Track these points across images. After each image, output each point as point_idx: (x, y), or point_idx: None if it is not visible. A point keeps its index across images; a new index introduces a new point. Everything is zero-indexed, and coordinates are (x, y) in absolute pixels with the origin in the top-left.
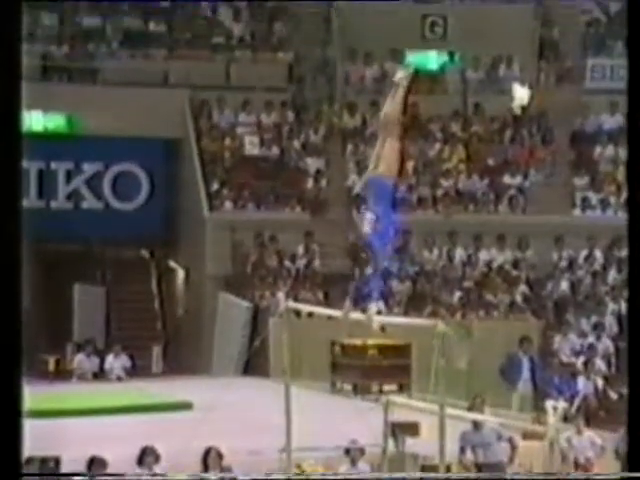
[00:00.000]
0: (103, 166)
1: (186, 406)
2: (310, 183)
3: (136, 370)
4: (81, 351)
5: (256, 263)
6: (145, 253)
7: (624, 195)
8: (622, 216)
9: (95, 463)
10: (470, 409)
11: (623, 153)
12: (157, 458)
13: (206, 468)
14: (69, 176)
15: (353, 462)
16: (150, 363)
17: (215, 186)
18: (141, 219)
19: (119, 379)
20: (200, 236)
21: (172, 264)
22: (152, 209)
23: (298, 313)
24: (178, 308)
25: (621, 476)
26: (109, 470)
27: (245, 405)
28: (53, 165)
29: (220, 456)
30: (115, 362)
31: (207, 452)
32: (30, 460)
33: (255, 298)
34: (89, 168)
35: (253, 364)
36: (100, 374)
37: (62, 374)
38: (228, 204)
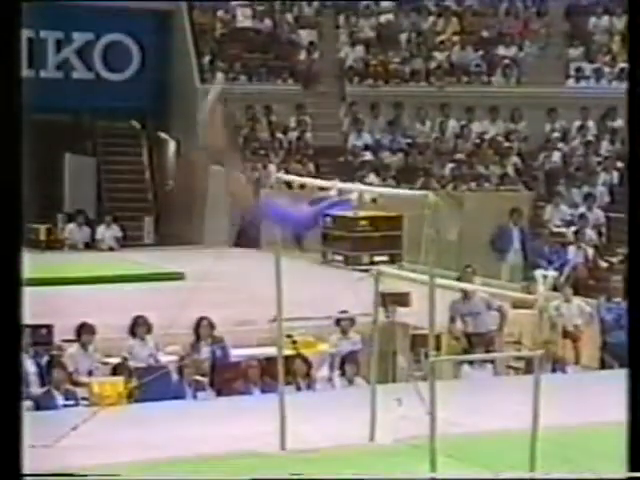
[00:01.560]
0: (94, 36)
1: (178, 276)
2: (302, 55)
3: (128, 241)
4: (72, 221)
5: (248, 135)
6: (136, 124)
7: (618, 65)
8: (616, 86)
9: (85, 329)
10: (460, 279)
11: (618, 23)
12: (149, 328)
13: (198, 338)
14: (59, 45)
15: (344, 332)
16: (142, 234)
17: (207, 58)
18: (132, 90)
19: (111, 249)
20: (192, 108)
21: (163, 135)
22: (143, 80)
23: (289, 185)
24: (169, 179)
25: (626, 476)
26: (99, 337)
27: (236, 275)
28: (43, 34)
29: (212, 326)
30: (106, 232)
31: (199, 322)
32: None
33: (246, 170)
34: (79, 38)
35: (244, 235)
36: (92, 244)
37: (53, 243)
38: (220, 76)
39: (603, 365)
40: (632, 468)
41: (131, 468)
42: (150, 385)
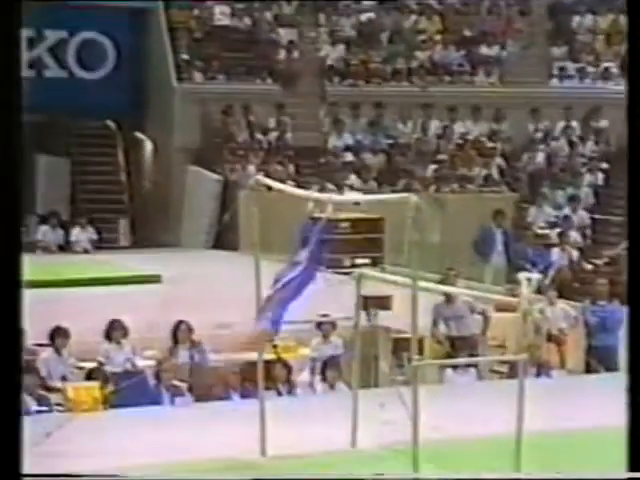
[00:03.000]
0: (67, 34)
1: (154, 279)
2: (282, 54)
3: (103, 243)
4: (45, 223)
5: (226, 135)
6: (111, 124)
7: (602, 65)
8: (600, 86)
9: (58, 333)
10: (443, 282)
11: (602, 22)
12: (125, 332)
13: (176, 342)
14: (31, 43)
15: (325, 336)
16: (117, 236)
17: (184, 57)
18: (107, 89)
19: (86, 252)
20: (168, 107)
21: (139, 135)
22: (118, 79)
23: (269, 186)
24: (145, 181)
25: (626, 476)
26: (74, 341)
27: (214, 278)
28: None
29: (190, 329)
30: (81, 235)
31: (177, 325)
32: None
33: (225, 171)
34: (52, 35)
35: (223, 237)
36: (66, 246)
37: (26, 246)
38: (197, 75)
39: (588, 369)
40: (632, 468)
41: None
42: (127, 390)
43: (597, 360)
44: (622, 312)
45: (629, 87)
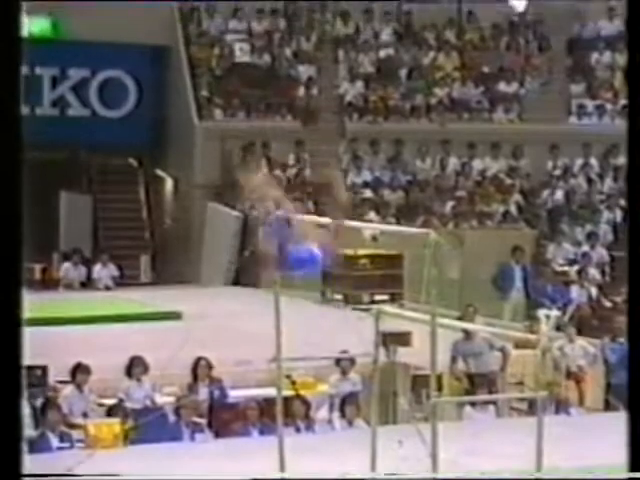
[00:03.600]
0: (90, 72)
1: (175, 316)
2: (301, 91)
3: (124, 279)
4: (68, 260)
5: (246, 172)
6: (133, 161)
7: (621, 102)
8: (619, 123)
9: (79, 369)
10: (462, 318)
11: (620, 59)
12: (146, 368)
13: (195, 378)
14: (54, 82)
15: (344, 372)
16: (138, 273)
17: (204, 94)
18: (128, 127)
19: (107, 288)
20: (189, 145)
21: (160, 173)
22: (140, 117)
23: (289, 222)
24: (166, 217)
25: (626, 476)
26: (95, 378)
27: (235, 315)
28: (38, 70)
29: (209, 366)
30: (103, 271)
31: (196, 362)
32: None
33: (245, 208)
34: (75, 74)
35: (243, 274)
36: (87, 283)
37: (48, 283)
38: (218, 112)
39: (608, 407)
40: (632, 468)
41: None
42: (147, 427)
43: (616, 398)
44: None
45: (629, 93)
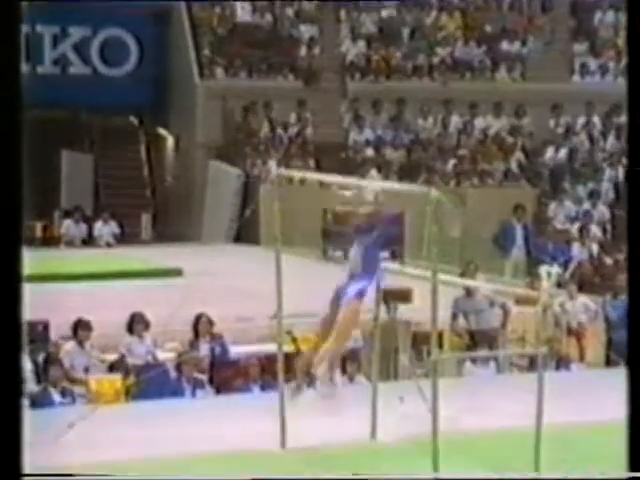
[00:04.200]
0: (91, 31)
1: (176, 272)
2: (303, 51)
3: (125, 237)
4: (69, 217)
5: (247, 131)
6: (134, 120)
7: (624, 61)
8: (621, 82)
9: (81, 325)
10: (463, 276)
11: (623, 18)
12: (147, 325)
13: (196, 335)
14: (55, 40)
15: None
16: (139, 230)
17: (206, 53)
18: (130, 86)
19: (108, 245)
20: (191, 104)
21: (161, 131)
22: (141, 76)
23: (290, 180)
24: (167, 176)
25: (626, 476)
26: (97, 334)
27: (236, 272)
28: (39, 28)
29: (210, 322)
30: (104, 229)
31: (197, 318)
32: None
33: (246, 166)
34: (76, 32)
35: (244, 232)
36: (88, 240)
37: (50, 240)
38: (219, 72)
39: (609, 363)
40: (632, 468)
41: (129, 466)
42: (148, 383)
43: (618, 354)
44: None
45: (628, 86)
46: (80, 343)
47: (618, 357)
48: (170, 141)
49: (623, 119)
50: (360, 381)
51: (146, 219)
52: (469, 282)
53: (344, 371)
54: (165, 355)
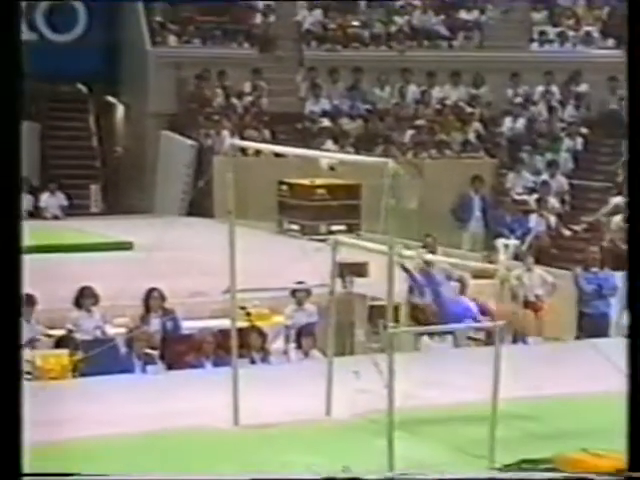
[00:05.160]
0: None
1: (126, 246)
2: (259, 18)
3: (74, 210)
4: None
5: (201, 100)
6: (83, 88)
7: (583, 29)
8: (580, 50)
9: (25, 300)
10: (424, 248)
11: None
12: (96, 299)
13: (148, 309)
14: None
15: (299, 303)
16: (88, 202)
17: (158, 19)
18: (78, 52)
19: (55, 218)
20: (142, 71)
21: (111, 100)
22: (90, 42)
23: (244, 151)
24: (118, 146)
25: (626, 476)
26: (43, 309)
27: (189, 245)
28: None
29: (162, 297)
30: (50, 200)
31: (149, 293)
32: None
33: (199, 136)
34: None
35: (197, 204)
36: (35, 212)
37: None
38: (172, 39)
39: (579, 337)
40: (632, 468)
41: (80, 445)
42: (97, 358)
43: (589, 327)
44: (615, 278)
45: (628, 84)
46: (24, 318)
47: (590, 331)
48: (120, 110)
49: (582, 88)
50: (315, 356)
51: (95, 191)
52: (425, 256)
53: (299, 346)
54: (115, 330)
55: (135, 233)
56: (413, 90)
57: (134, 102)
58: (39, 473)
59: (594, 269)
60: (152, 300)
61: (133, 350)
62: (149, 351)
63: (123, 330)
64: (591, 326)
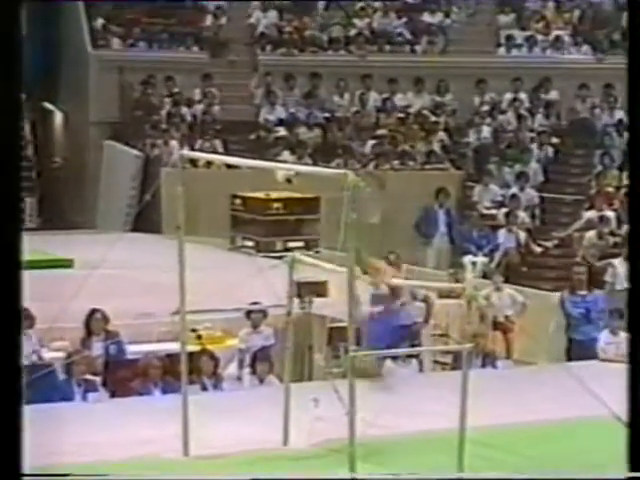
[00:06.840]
0: None
1: (65, 263)
2: (209, 20)
3: None
4: None
5: (147, 108)
6: None
7: (552, 33)
8: (550, 55)
9: None
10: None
11: None
12: (32, 321)
13: (89, 332)
14: None
15: (254, 325)
16: (23, 217)
17: (101, 20)
18: None
19: None
20: (82, 76)
21: (49, 106)
22: (26, 44)
23: (194, 163)
24: (56, 156)
25: (626, 476)
26: None
27: (134, 263)
28: None
29: (105, 319)
30: None
31: (90, 314)
32: None
33: (145, 147)
34: None
35: (143, 219)
36: None
37: None
38: (116, 41)
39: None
40: (632, 468)
41: None
42: (33, 385)
43: (579, 354)
44: (604, 302)
45: (629, 87)
46: None
47: (580, 358)
48: (59, 117)
49: (552, 95)
50: (271, 382)
51: (31, 204)
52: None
53: (254, 371)
54: (52, 355)
55: (76, 250)
56: (374, 97)
57: (74, 109)
58: (39, 473)
59: (581, 292)
60: (94, 322)
61: (73, 376)
62: (90, 377)
63: (62, 354)
64: (581, 353)
